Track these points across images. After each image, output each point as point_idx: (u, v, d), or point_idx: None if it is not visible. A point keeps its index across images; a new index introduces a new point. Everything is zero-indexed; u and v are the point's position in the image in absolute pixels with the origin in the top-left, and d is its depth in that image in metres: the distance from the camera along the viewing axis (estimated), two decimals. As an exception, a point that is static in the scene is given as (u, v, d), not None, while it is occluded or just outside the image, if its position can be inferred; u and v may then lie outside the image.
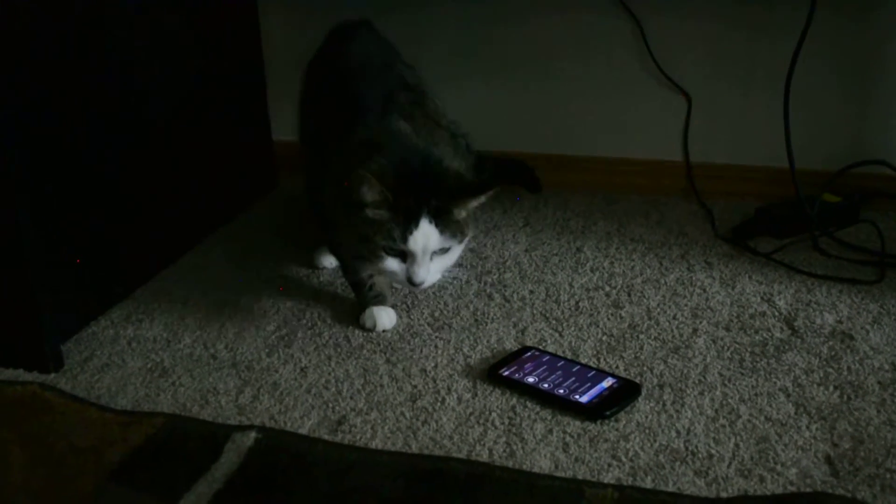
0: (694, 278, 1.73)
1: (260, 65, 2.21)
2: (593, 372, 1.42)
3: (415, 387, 1.42)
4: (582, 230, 1.97)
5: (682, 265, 1.78)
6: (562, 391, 1.37)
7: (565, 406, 1.34)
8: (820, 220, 1.85)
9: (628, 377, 1.41)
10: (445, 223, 1.42)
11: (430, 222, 1.41)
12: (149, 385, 1.45)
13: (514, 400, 1.37)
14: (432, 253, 1.43)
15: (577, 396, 1.35)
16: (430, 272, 1.44)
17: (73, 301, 1.60)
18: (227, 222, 2.06)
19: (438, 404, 1.37)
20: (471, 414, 1.34)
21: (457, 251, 1.48)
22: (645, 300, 1.65)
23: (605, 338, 1.54)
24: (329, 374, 1.46)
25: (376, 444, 1.29)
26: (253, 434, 1.30)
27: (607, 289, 1.70)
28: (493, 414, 1.34)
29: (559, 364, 1.44)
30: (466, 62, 2.19)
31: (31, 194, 1.45)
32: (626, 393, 1.36)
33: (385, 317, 1.58)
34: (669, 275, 1.75)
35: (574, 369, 1.42)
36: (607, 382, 1.38)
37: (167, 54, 1.84)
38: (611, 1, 2.07)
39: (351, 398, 1.39)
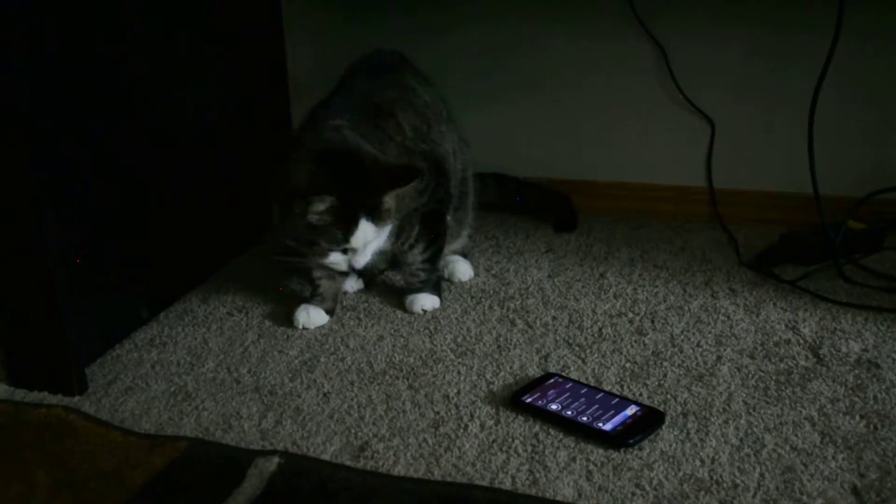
0: (718, 305, 1.72)
1: (285, 92, 2.22)
2: (617, 399, 1.41)
3: (437, 413, 1.42)
4: (605, 256, 1.97)
5: (705, 292, 1.78)
6: (585, 419, 1.36)
7: (589, 434, 1.34)
8: (845, 247, 1.84)
9: (652, 405, 1.40)
10: (379, 216, 1.55)
11: (367, 220, 1.53)
12: (172, 409, 1.45)
13: (538, 427, 1.37)
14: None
15: (600, 424, 1.34)
16: (368, 257, 1.59)
17: (99, 324, 1.61)
18: (252, 245, 2.07)
19: (461, 431, 1.37)
20: (493, 441, 1.34)
21: (387, 231, 1.61)
22: (668, 327, 1.65)
23: (628, 365, 1.53)
24: (352, 399, 1.46)
25: (399, 470, 1.29)
26: (276, 459, 1.30)
27: (630, 315, 1.70)
28: (516, 441, 1.34)
29: (582, 391, 1.43)
30: (490, 88, 2.20)
31: (58, 218, 1.46)
32: (649, 421, 1.36)
33: (313, 316, 1.70)
34: (693, 301, 1.74)
35: (597, 396, 1.42)
36: (631, 410, 1.38)
37: (199, 84, 1.86)
38: (634, 27, 2.07)
39: (373, 424, 1.39)
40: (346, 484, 1.26)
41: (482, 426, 1.38)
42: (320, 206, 1.49)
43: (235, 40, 1.99)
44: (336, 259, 1.57)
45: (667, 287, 1.80)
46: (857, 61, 1.94)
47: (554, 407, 1.39)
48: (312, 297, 1.73)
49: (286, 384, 1.51)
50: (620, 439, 1.31)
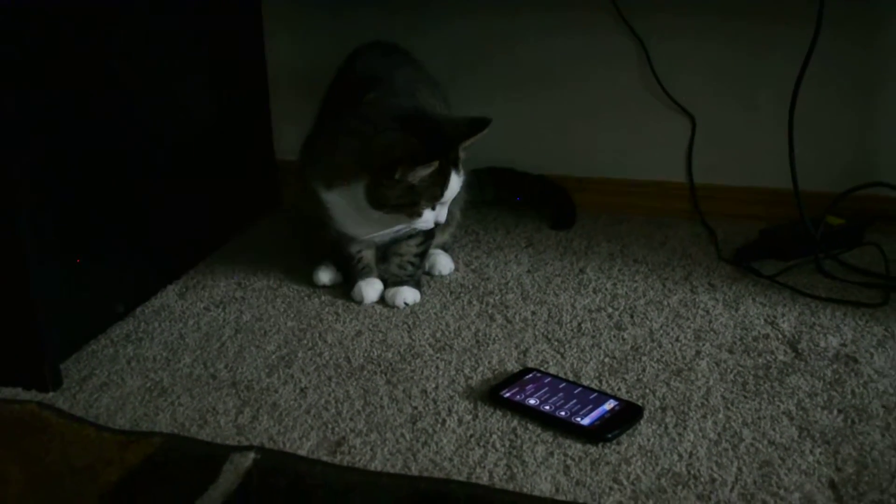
0: (697, 300, 1.72)
1: (264, 86, 2.21)
2: (595, 394, 1.41)
3: (415, 408, 1.41)
4: (585, 251, 1.96)
5: (685, 287, 1.78)
6: (563, 413, 1.36)
7: (567, 428, 1.33)
8: (824, 243, 1.85)
9: (630, 399, 1.40)
10: (458, 167, 1.63)
11: (455, 172, 1.62)
12: (147, 404, 1.44)
13: (516, 422, 1.36)
14: None
15: (578, 419, 1.34)
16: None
17: (73, 319, 1.59)
18: (230, 241, 2.06)
19: (439, 426, 1.36)
20: (471, 436, 1.33)
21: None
22: (648, 322, 1.65)
23: (607, 360, 1.53)
24: (329, 394, 1.45)
25: (376, 465, 1.28)
26: (251, 455, 1.29)
27: (610, 310, 1.69)
28: (494, 436, 1.33)
29: (561, 386, 1.43)
30: (470, 81, 2.19)
31: (32, 212, 1.44)
32: (628, 415, 1.35)
33: (372, 291, 1.76)
34: (672, 297, 1.74)
35: (576, 391, 1.41)
36: (609, 405, 1.37)
37: (175, 75, 1.84)
38: (615, 22, 2.07)
39: (351, 419, 1.39)
40: (323, 479, 1.25)
41: (460, 421, 1.37)
42: (427, 170, 1.55)
43: (214, 30, 1.97)
44: (428, 217, 1.63)
45: (646, 282, 1.80)
46: (837, 57, 1.94)
47: (532, 402, 1.38)
48: (361, 272, 1.78)
49: (263, 379, 1.50)
50: (598, 434, 1.31)
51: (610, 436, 1.31)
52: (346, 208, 1.66)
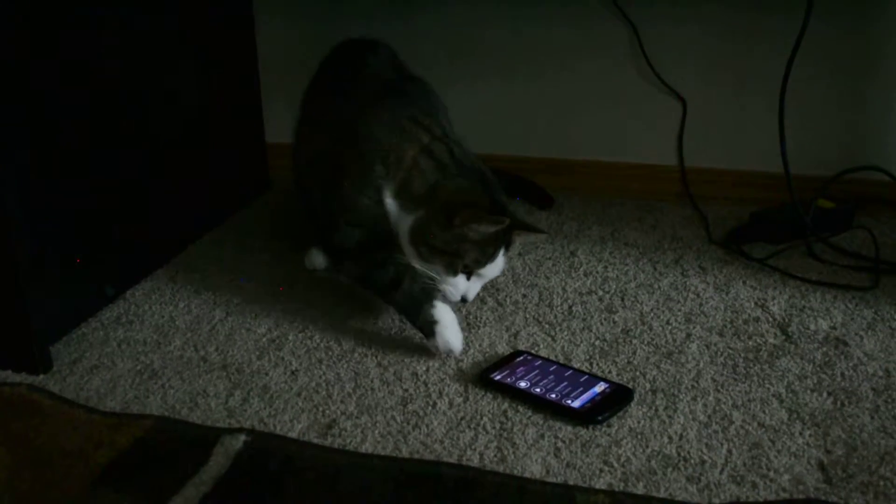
0: (688, 283, 1.72)
1: (255, 69, 2.20)
2: (585, 377, 1.41)
3: (406, 390, 1.41)
4: (576, 234, 1.96)
5: (675, 270, 1.78)
6: (554, 396, 1.36)
7: (557, 411, 1.33)
8: (814, 226, 1.85)
9: (621, 382, 1.40)
10: (507, 249, 1.55)
11: (503, 251, 1.53)
12: (138, 387, 1.44)
13: (506, 404, 1.36)
14: None
15: (569, 401, 1.34)
16: (477, 291, 1.57)
17: (63, 302, 1.58)
18: (220, 224, 2.05)
19: (429, 408, 1.36)
20: (462, 418, 1.34)
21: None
22: (638, 305, 1.65)
23: (597, 342, 1.53)
24: (320, 377, 1.45)
25: (366, 447, 1.28)
26: (242, 437, 1.29)
27: (601, 293, 1.69)
28: (485, 418, 1.33)
29: (551, 368, 1.43)
30: (461, 65, 2.19)
31: (20, 193, 1.43)
32: (618, 398, 1.36)
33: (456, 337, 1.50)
34: (663, 280, 1.74)
35: (566, 374, 1.42)
36: (599, 387, 1.38)
37: (164, 58, 1.83)
38: (607, 6, 2.06)
39: (341, 402, 1.39)
40: (313, 462, 1.25)
41: (451, 403, 1.37)
42: (490, 228, 1.47)
43: (204, 13, 1.96)
44: (460, 283, 1.52)
45: (637, 265, 1.80)
46: (827, 41, 1.94)
47: (523, 384, 1.39)
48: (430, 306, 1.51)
49: (254, 362, 1.50)
50: (589, 416, 1.31)
51: (600, 418, 1.31)
52: (387, 211, 1.56)
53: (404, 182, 1.53)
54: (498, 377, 1.41)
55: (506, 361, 1.45)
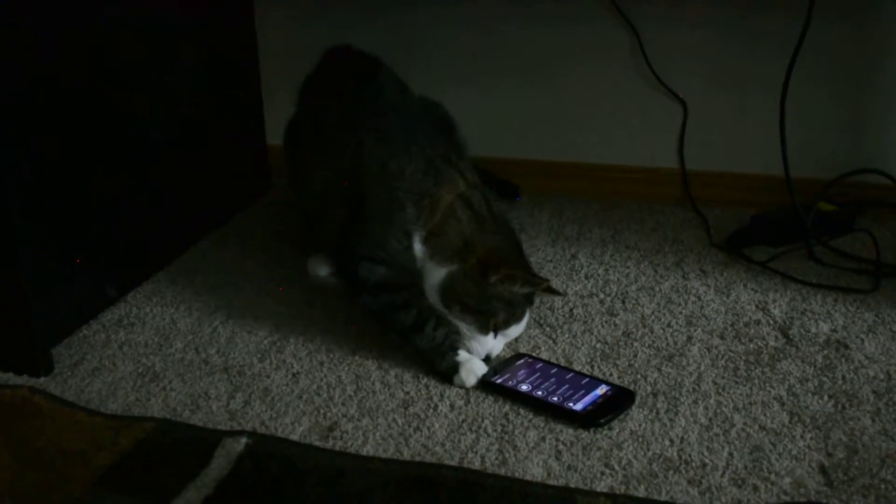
0: (689, 286, 1.72)
1: (256, 72, 2.21)
2: (587, 379, 1.41)
3: (407, 393, 1.41)
4: (577, 237, 1.96)
5: (676, 273, 1.78)
6: (556, 399, 1.36)
7: (559, 414, 1.34)
8: (815, 229, 1.85)
9: (622, 385, 1.40)
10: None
11: (529, 311, 1.48)
12: (139, 389, 1.44)
13: (507, 407, 1.36)
14: None
15: (571, 404, 1.34)
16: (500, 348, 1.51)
17: (65, 304, 1.59)
18: (221, 226, 2.05)
19: (431, 411, 1.36)
20: (463, 421, 1.34)
21: None
22: (639, 308, 1.65)
23: (598, 345, 1.53)
24: (321, 379, 1.45)
25: (368, 450, 1.28)
26: (243, 440, 1.29)
27: (602, 296, 1.70)
28: (486, 421, 1.33)
29: (553, 371, 1.43)
30: (463, 68, 2.19)
31: (22, 196, 1.44)
32: (620, 401, 1.36)
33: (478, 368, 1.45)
34: (664, 282, 1.74)
35: (568, 376, 1.42)
36: (601, 390, 1.38)
37: (165, 60, 1.83)
38: (608, 10, 2.06)
39: (343, 404, 1.39)
40: (315, 464, 1.25)
41: (452, 406, 1.37)
42: (526, 288, 1.43)
43: (205, 16, 1.96)
44: (488, 341, 1.45)
45: (638, 268, 1.80)
46: (828, 43, 1.94)
47: (524, 387, 1.39)
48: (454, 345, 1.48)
49: (255, 364, 1.50)
50: (591, 419, 1.31)
51: (602, 421, 1.31)
52: (415, 258, 1.49)
53: (437, 228, 1.47)
54: (499, 380, 1.41)
55: (507, 364, 1.45)
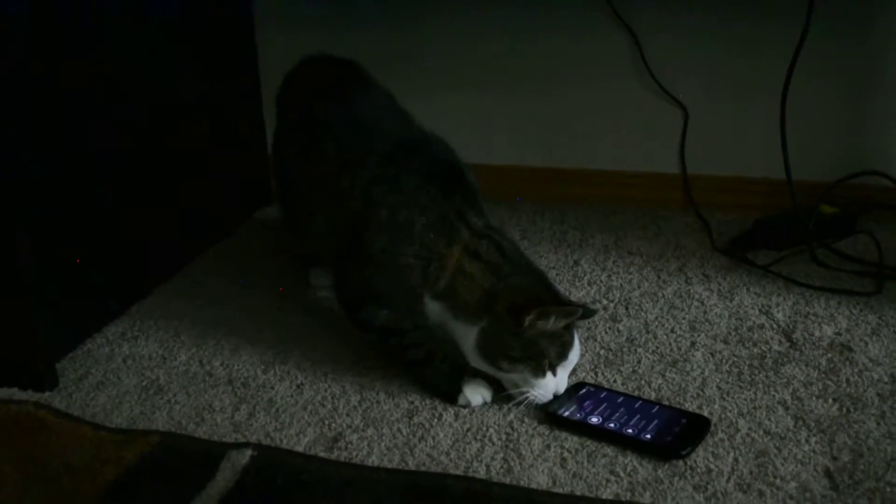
0: (692, 291, 1.72)
1: (256, 82, 2.21)
2: (656, 407, 1.35)
3: (411, 402, 1.41)
4: (579, 243, 1.96)
5: (679, 278, 1.78)
6: (630, 431, 1.30)
7: (635, 446, 1.27)
8: (817, 232, 1.85)
9: (696, 411, 1.35)
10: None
11: (577, 332, 1.41)
12: (144, 403, 1.44)
13: (511, 415, 1.36)
14: None
15: (646, 435, 1.28)
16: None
17: (69, 318, 1.59)
18: (223, 238, 2.05)
19: (435, 420, 1.36)
20: (468, 430, 1.34)
21: None
22: (643, 313, 1.65)
23: (602, 351, 1.53)
24: (325, 390, 1.45)
25: (373, 460, 1.28)
26: (249, 452, 1.29)
27: (605, 302, 1.70)
28: (491, 430, 1.33)
29: (619, 400, 1.37)
30: (464, 76, 2.19)
31: (26, 211, 1.44)
32: (696, 428, 1.30)
33: (482, 391, 1.42)
34: (667, 288, 1.74)
35: (636, 405, 1.36)
36: (675, 418, 1.32)
37: (164, 70, 1.83)
38: (609, 17, 2.07)
39: (347, 415, 1.39)
40: (320, 475, 1.25)
41: (456, 415, 1.37)
42: (563, 320, 1.35)
43: (205, 22, 1.97)
44: (548, 383, 1.36)
45: (641, 273, 1.80)
46: (828, 47, 1.94)
47: (594, 420, 1.32)
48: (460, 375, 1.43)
49: (259, 376, 1.50)
50: (672, 450, 1.25)
51: (684, 452, 1.25)
52: (426, 314, 1.44)
53: (449, 289, 1.40)
54: (566, 413, 1.34)
55: (569, 395, 1.38)
